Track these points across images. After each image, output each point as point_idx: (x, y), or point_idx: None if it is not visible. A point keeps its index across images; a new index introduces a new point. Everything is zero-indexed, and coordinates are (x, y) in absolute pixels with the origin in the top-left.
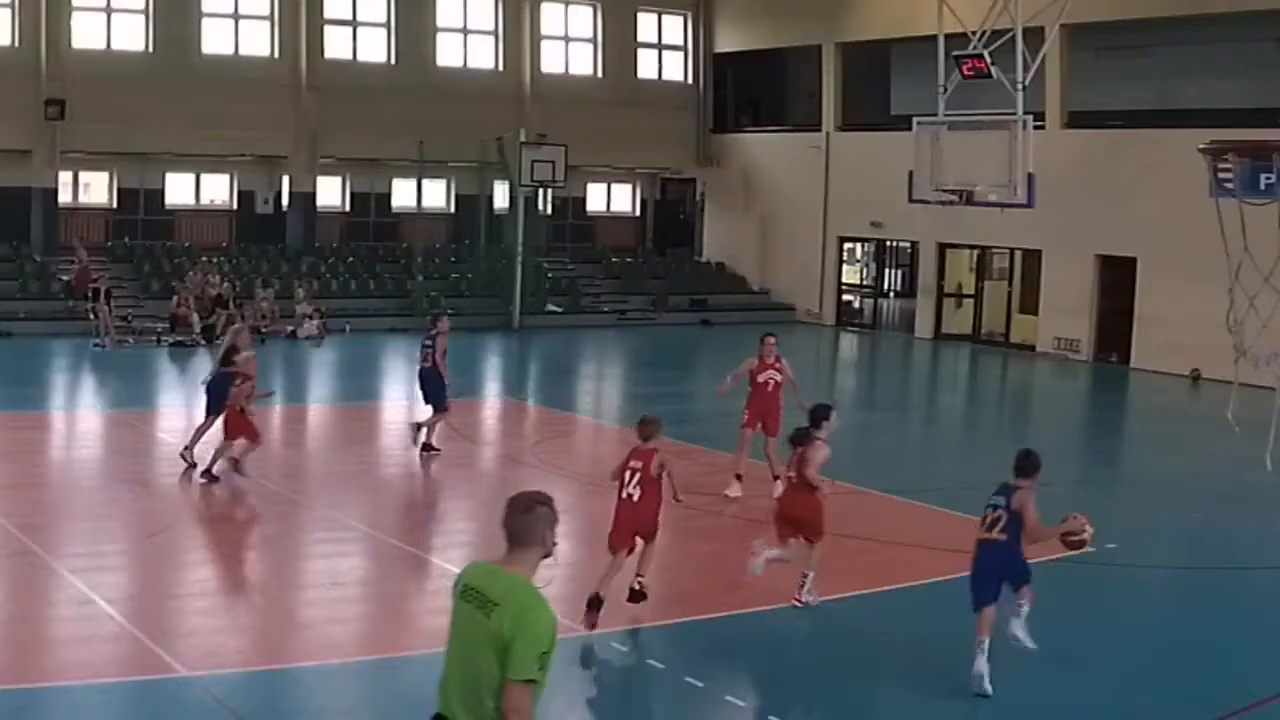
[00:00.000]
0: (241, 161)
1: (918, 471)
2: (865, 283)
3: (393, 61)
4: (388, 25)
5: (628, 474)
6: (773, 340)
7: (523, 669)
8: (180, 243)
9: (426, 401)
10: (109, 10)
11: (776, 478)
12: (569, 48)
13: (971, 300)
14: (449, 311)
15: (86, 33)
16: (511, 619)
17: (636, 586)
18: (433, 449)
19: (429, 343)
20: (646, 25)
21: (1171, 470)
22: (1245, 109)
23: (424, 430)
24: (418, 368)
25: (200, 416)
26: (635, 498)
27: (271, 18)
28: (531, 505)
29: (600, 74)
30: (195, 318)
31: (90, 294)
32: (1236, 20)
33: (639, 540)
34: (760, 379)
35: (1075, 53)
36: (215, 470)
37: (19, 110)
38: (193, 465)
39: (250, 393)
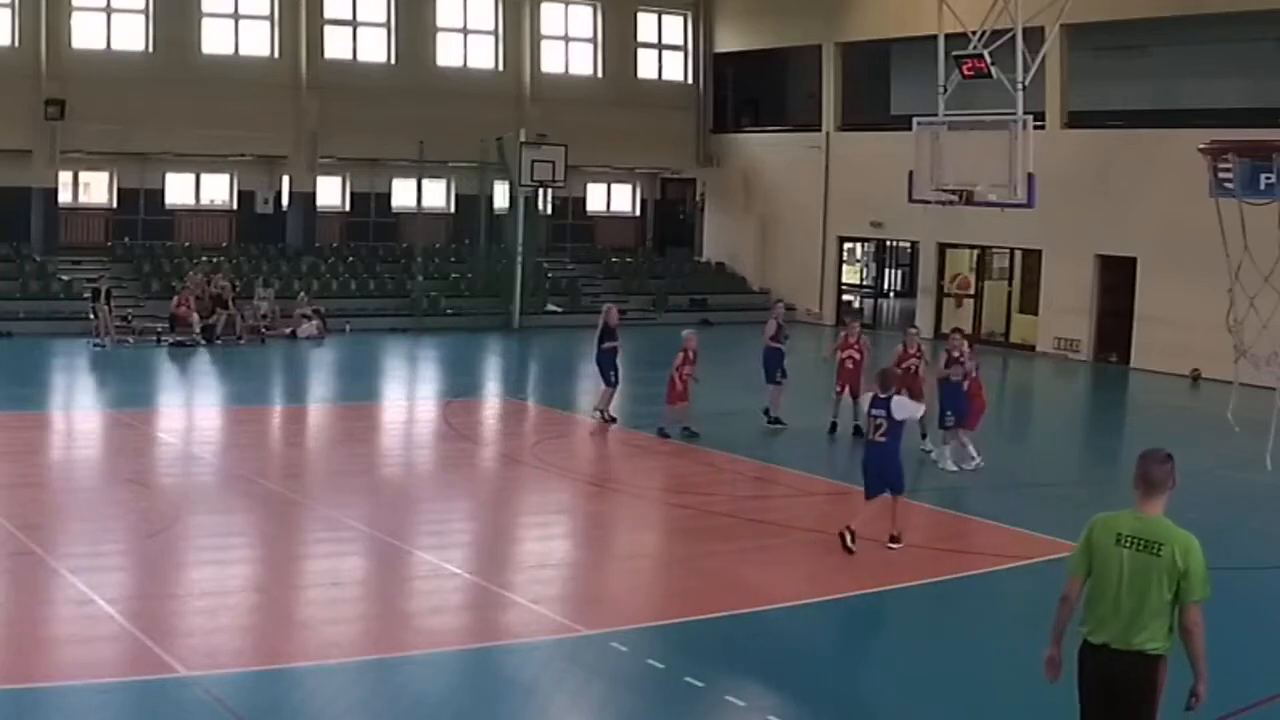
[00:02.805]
0: (241, 161)
1: (917, 471)
2: (865, 282)
3: (393, 61)
4: (388, 25)
5: (854, 349)
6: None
7: (1200, 590)
8: (180, 243)
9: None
10: (109, 10)
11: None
12: (569, 48)
13: (972, 300)
14: (447, 311)
15: (86, 33)
16: (1182, 554)
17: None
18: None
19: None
20: (646, 25)
21: None
22: (1245, 109)
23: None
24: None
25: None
26: (849, 364)
27: (271, 18)
28: (1166, 458)
29: (600, 74)
30: (195, 318)
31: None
32: (1236, 20)
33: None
34: None
35: (1075, 53)
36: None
37: (19, 110)
38: (611, 420)
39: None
